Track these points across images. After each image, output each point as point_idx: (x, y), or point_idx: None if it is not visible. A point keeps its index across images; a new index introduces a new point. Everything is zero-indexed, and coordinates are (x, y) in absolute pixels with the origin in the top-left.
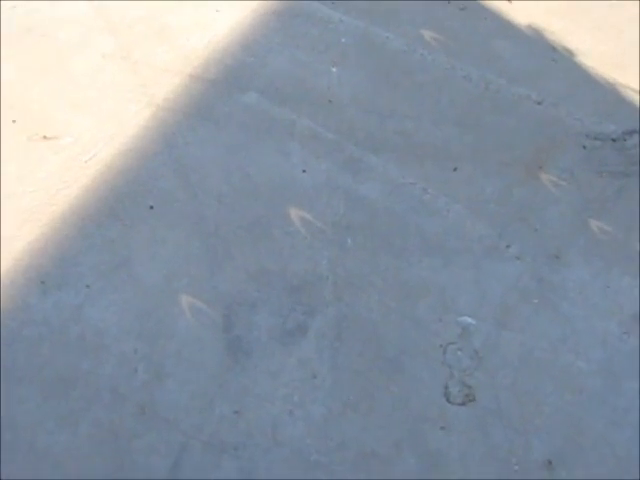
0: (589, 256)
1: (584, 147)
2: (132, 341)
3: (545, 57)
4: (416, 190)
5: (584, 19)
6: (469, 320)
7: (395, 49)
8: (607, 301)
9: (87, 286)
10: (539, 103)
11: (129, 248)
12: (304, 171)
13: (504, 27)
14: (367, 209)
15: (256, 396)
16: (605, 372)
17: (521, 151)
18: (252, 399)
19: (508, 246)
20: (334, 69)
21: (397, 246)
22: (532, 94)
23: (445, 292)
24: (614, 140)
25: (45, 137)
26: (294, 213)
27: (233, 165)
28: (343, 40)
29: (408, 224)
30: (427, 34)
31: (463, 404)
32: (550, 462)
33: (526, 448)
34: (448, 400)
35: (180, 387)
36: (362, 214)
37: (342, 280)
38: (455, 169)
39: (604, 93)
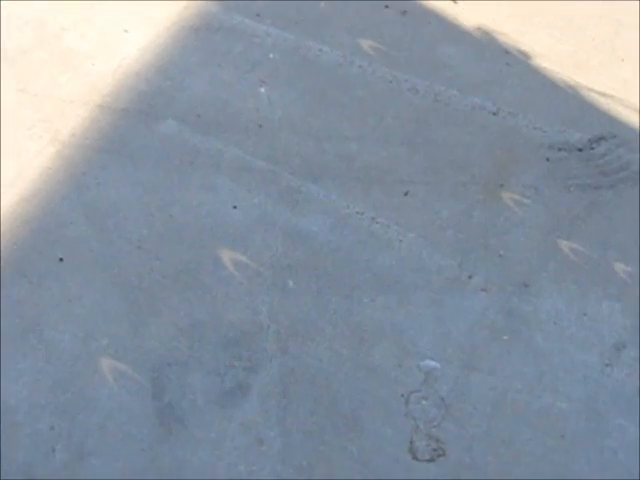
0: (561, 282)
1: (548, 159)
2: (48, 417)
3: (498, 62)
4: (363, 220)
5: (538, 17)
6: (433, 364)
7: (330, 63)
8: (585, 331)
9: None
10: (495, 114)
11: (38, 309)
12: (235, 207)
13: (450, 31)
14: (309, 245)
15: (195, 469)
16: (588, 411)
17: (479, 168)
18: (191, 473)
19: (471, 277)
20: (262, 89)
21: (346, 285)
22: (487, 104)
23: (403, 334)
24: (580, 150)
25: None
26: (226, 256)
27: (153, 206)
28: (271, 56)
29: (357, 259)
30: (365, 43)
31: (432, 460)
32: None
33: None
34: (415, 457)
35: (106, 465)
36: (304, 251)
37: (286, 328)
38: (406, 193)
39: (566, 98)
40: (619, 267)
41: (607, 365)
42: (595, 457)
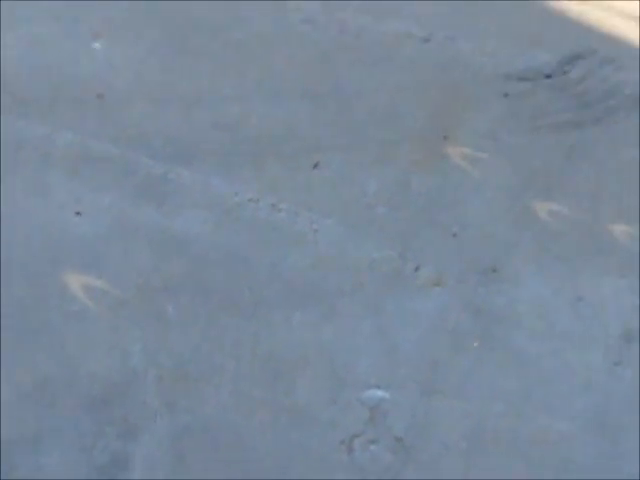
0: (543, 259)
1: (506, 95)
2: None
3: None
4: (260, 209)
5: None
6: (379, 394)
7: None
8: (582, 321)
9: None
10: (426, 41)
11: None
12: (78, 213)
13: None
14: (189, 254)
15: None
16: (597, 427)
17: (412, 119)
18: None
19: (417, 268)
20: (97, 44)
21: (247, 302)
22: (413, 29)
23: (334, 358)
24: (549, 76)
25: None
26: (75, 282)
27: None
28: None
29: (258, 265)
30: None
31: None
32: None
33: None
34: None
35: None
36: (183, 263)
37: (170, 372)
38: (315, 166)
39: (521, 8)
40: (618, 229)
41: (617, 364)
42: None
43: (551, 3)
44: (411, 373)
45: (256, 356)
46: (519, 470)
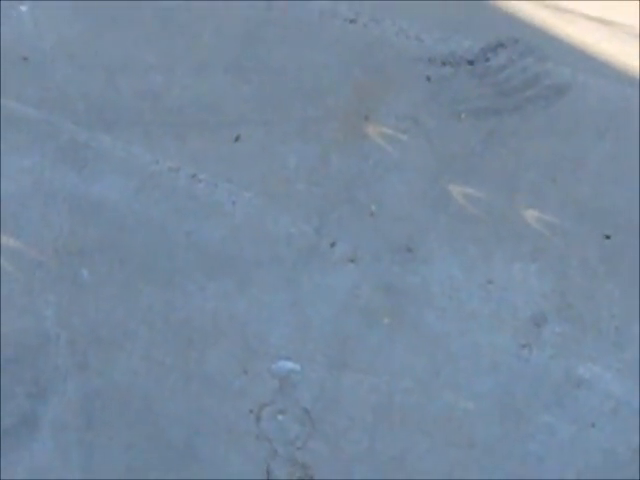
0: (457, 241)
1: (428, 79)
2: None
3: None
4: (180, 179)
5: None
6: (289, 365)
7: None
8: (492, 304)
9: None
10: (352, 21)
11: None
12: None
13: None
14: (107, 219)
15: None
16: (503, 409)
17: (335, 97)
18: None
19: (333, 244)
20: (24, 7)
21: (163, 270)
22: (340, 9)
23: (247, 328)
24: (471, 63)
25: None
26: None
27: None
28: None
29: (175, 233)
30: None
31: None
32: None
33: None
34: None
35: None
36: (101, 228)
37: (83, 336)
38: (237, 138)
39: None
40: (532, 215)
41: (524, 346)
42: (516, 468)
43: None
44: (322, 347)
45: (169, 323)
46: (423, 446)
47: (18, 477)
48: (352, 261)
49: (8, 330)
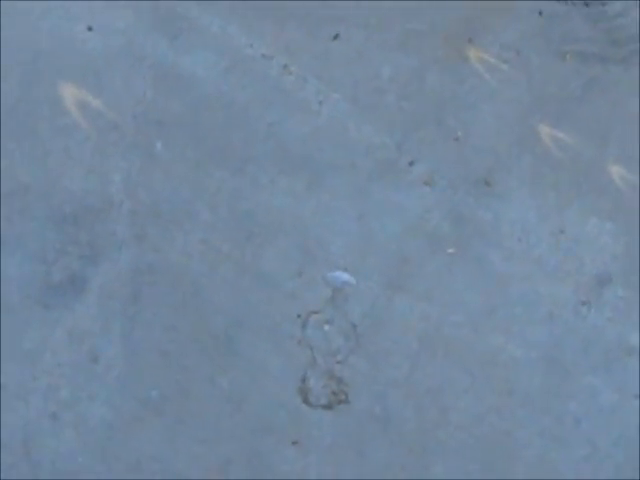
0: (537, 184)
1: (540, 13)
2: None
3: None
4: (272, 67)
5: None
6: (345, 277)
7: None
8: (560, 254)
9: None
10: None
11: None
12: (90, 29)
13: None
14: (191, 94)
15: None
16: (550, 362)
17: (441, 14)
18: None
19: (412, 163)
20: None
21: (237, 156)
22: None
23: (309, 232)
24: (587, 4)
25: None
26: (70, 96)
27: None
28: None
29: (257, 121)
30: None
31: (329, 407)
32: None
33: (423, 475)
34: (306, 400)
35: None
36: (182, 102)
37: (145, 208)
38: (336, 37)
39: None
40: (617, 172)
41: (583, 303)
42: (551, 425)
43: None
44: (381, 264)
45: (233, 212)
46: (462, 384)
47: (56, 336)
48: (427, 184)
49: (73, 188)
